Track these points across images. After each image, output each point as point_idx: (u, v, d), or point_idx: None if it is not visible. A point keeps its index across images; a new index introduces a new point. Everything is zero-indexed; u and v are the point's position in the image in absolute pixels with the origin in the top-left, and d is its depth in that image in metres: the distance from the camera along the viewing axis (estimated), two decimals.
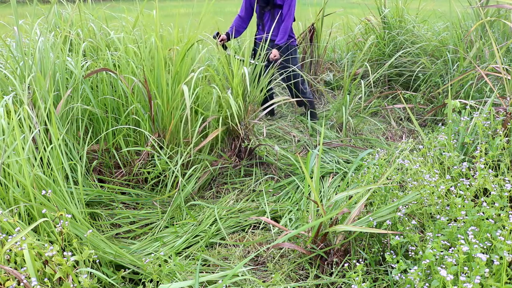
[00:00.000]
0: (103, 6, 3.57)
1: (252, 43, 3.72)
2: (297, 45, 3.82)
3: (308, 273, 1.96)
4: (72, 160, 2.36)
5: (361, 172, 2.43)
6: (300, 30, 4.76)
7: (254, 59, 3.14)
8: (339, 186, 2.76)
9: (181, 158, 2.60)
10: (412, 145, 2.36)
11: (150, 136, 2.60)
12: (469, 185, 1.88)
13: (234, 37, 3.75)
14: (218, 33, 3.56)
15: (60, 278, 1.55)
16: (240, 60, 2.98)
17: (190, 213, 2.47)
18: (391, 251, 1.80)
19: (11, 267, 1.49)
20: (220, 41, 3.55)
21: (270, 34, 3.28)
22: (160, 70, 2.61)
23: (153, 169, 2.61)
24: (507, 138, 2.23)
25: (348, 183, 2.48)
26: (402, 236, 1.76)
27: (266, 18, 3.59)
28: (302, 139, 3.52)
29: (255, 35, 3.76)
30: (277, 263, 2.07)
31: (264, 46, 3.07)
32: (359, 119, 3.80)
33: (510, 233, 1.46)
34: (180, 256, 2.14)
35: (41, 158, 2.00)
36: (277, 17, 3.50)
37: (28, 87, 2.25)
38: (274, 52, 3.38)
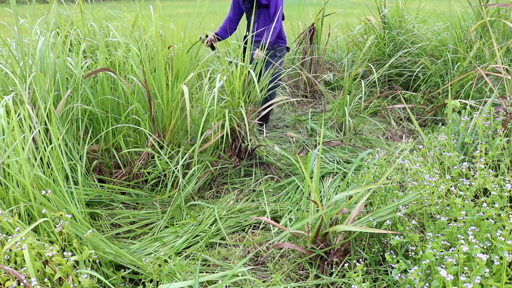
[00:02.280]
0: (103, 6, 3.57)
1: (242, 44, 3.62)
2: (287, 48, 3.71)
3: (308, 273, 1.96)
4: (72, 160, 2.36)
5: (361, 172, 2.43)
6: (300, 30, 4.76)
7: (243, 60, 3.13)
8: (339, 186, 2.76)
9: (182, 158, 2.60)
10: (412, 145, 2.36)
11: (150, 135, 2.60)
12: (469, 185, 1.88)
13: (223, 38, 3.67)
14: (207, 35, 3.50)
15: (60, 278, 1.55)
16: (229, 62, 2.98)
17: (190, 213, 2.47)
18: (391, 251, 1.80)
19: (11, 267, 1.49)
20: (207, 42, 3.48)
21: (255, 34, 3.21)
22: (159, 70, 2.61)
23: (154, 169, 2.61)
24: (507, 138, 2.23)
25: (348, 183, 2.47)
26: (402, 236, 1.76)
27: (252, 18, 3.49)
28: (302, 139, 3.52)
29: (244, 36, 3.68)
30: (277, 263, 2.07)
31: (250, 47, 3.02)
32: (359, 119, 3.79)
33: (510, 233, 1.46)
34: (180, 256, 2.15)
35: (41, 158, 2.00)
36: (263, 17, 3.41)
37: (28, 87, 2.25)
38: (257, 52, 3.26)
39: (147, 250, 2.16)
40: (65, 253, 1.56)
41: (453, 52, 3.96)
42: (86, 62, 2.77)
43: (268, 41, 3.27)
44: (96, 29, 3.16)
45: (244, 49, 3.62)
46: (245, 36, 3.66)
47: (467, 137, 2.33)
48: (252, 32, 3.49)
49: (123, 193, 2.62)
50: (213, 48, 3.56)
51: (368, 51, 4.68)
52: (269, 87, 3.24)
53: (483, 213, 1.65)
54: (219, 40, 3.60)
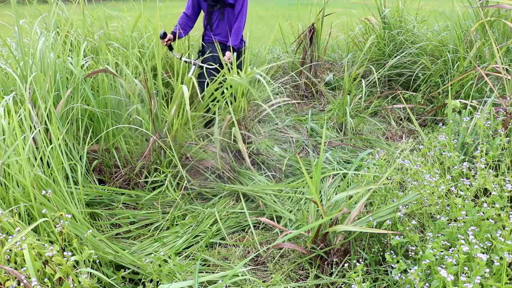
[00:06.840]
0: (103, 6, 3.57)
1: (198, 44, 3.39)
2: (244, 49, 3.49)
3: (308, 273, 1.96)
4: (72, 160, 2.35)
5: (361, 172, 2.43)
6: (300, 30, 4.76)
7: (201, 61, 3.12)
8: (339, 186, 2.76)
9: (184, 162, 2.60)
10: (412, 145, 2.36)
11: (152, 136, 2.60)
12: (469, 185, 1.88)
13: (179, 38, 3.39)
14: (165, 33, 3.17)
15: (60, 278, 1.55)
16: (186, 62, 2.94)
17: (190, 214, 2.47)
18: (391, 251, 1.80)
19: (11, 267, 1.49)
20: (167, 41, 3.18)
21: (218, 34, 3.12)
22: (159, 70, 2.61)
23: (156, 167, 2.60)
24: (507, 138, 2.23)
25: (348, 183, 2.47)
26: (402, 236, 1.76)
27: (215, 17, 3.30)
28: (302, 139, 3.52)
29: (203, 36, 3.46)
30: (277, 263, 2.07)
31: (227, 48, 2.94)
32: (359, 119, 3.79)
33: (510, 233, 1.46)
34: (180, 256, 2.14)
35: (41, 158, 2.00)
36: (227, 17, 3.25)
37: (29, 87, 2.25)
38: (228, 55, 3.09)
39: (147, 250, 2.16)
40: (65, 253, 1.56)
41: (453, 52, 3.96)
42: (86, 61, 2.76)
43: (237, 43, 3.18)
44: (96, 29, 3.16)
45: (202, 51, 3.44)
46: (204, 35, 3.45)
47: (468, 137, 2.33)
48: (214, 31, 3.33)
49: (123, 193, 2.61)
50: (171, 48, 3.26)
51: (368, 51, 4.67)
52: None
53: (483, 213, 1.65)
54: (174, 39, 3.29)
